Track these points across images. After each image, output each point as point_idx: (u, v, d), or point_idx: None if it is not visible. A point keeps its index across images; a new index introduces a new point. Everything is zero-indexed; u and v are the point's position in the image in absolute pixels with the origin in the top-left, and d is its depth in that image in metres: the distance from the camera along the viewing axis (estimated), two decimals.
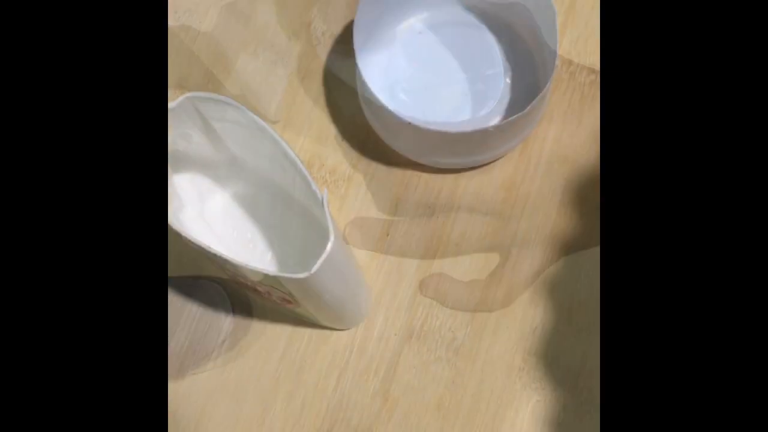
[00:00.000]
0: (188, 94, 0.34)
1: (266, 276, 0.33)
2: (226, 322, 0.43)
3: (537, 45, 0.44)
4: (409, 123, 0.39)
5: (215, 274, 0.43)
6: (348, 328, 0.42)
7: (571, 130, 0.45)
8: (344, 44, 0.47)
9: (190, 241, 0.33)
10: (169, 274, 0.43)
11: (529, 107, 0.39)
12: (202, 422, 0.41)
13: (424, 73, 0.46)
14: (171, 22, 0.48)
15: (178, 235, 0.34)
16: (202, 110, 0.36)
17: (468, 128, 0.39)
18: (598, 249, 0.42)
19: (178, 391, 0.41)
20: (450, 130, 0.39)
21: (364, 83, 0.40)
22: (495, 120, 0.44)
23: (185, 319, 0.43)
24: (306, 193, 0.39)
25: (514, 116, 0.39)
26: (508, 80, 0.45)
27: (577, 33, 0.46)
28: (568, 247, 0.43)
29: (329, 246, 0.32)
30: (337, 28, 0.47)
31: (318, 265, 0.32)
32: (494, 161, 0.44)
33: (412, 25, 0.46)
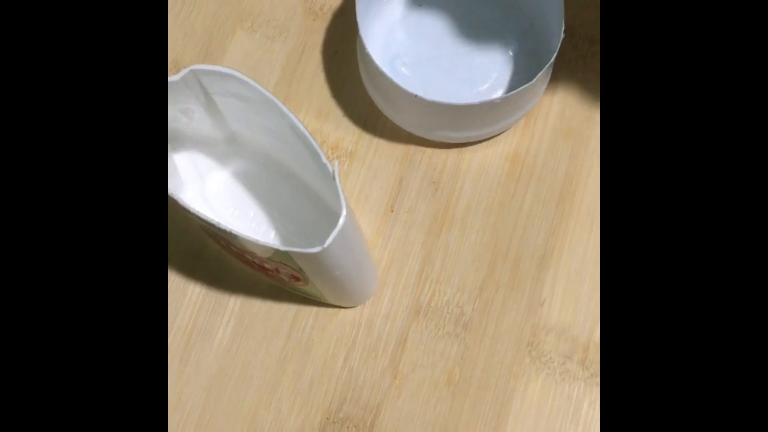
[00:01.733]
0: (192, 67, 0.34)
1: (277, 252, 0.32)
2: (230, 302, 0.42)
3: (540, 16, 0.44)
4: (415, 96, 0.38)
5: (217, 252, 0.42)
6: (355, 306, 0.42)
7: (574, 102, 0.44)
8: (344, 18, 0.46)
9: (198, 217, 0.32)
10: (171, 253, 0.43)
11: (535, 78, 0.39)
12: (209, 403, 0.40)
13: (425, 47, 0.45)
14: None
15: (185, 211, 0.33)
16: (205, 84, 0.35)
17: (474, 100, 0.39)
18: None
19: (184, 372, 0.41)
20: (456, 102, 0.38)
21: (367, 55, 0.40)
22: (497, 93, 0.44)
23: (189, 299, 0.42)
24: (310, 168, 0.38)
25: (521, 87, 0.38)
26: (510, 53, 0.45)
27: (579, 3, 0.46)
28: (575, 220, 0.42)
29: (342, 220, 0.31)
30: (335, 2, 0.46)
31: (331, 239, 0.31)
32: (498, 134, 0.44)
33: None
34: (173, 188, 0.41)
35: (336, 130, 0.45)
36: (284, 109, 0.34)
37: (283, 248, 0.32)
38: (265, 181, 0.43)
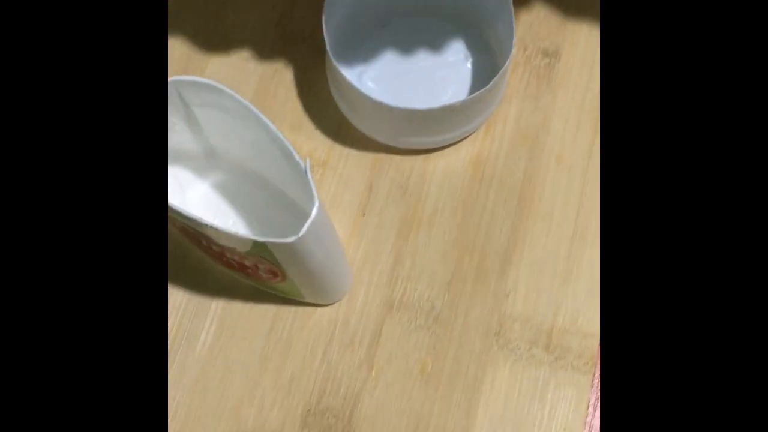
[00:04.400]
0: (172, 78, 0.36)
1: (255, 244, 0.35)
2: (212, 305, 0.44)
3: (494, 31, 0.47)
4: (381, 104, 0.41)
5: (200, 255, 0.44)
6: (331, 303, 0.44)
7: (530, 109, 0.48)
8: (313, 40, 0.50)
9: (180, 214, 0.35)
10: None
11: (491, 83, 0.42)
12: (194, 402, 0.42)
13: (390, 63, 0.48)
14: None
15: (172, 212, 0.35)
16: (184, 95, 0.38)
17: (435, 105, 0.42)
18: (563, 217, 0.45)
19: (169, 375, 0.43)
20: (418, 107, 0.41)
21: (335, 69, 0.43)
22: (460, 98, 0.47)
23: (172, 304, 0.44)
24: (285, 176, 0.41)
25: (478, 92, 0.42)
26: (468, 65, 0.48)
27: (530, 18, 0.50)
28: (534, 217, 0.45)
29: (314, 210, 0.34)
30: (306, 26, 0.50)
31: (305, 229, 0.34)
32: (461, 141, 0.47)
33: (377, 17, 0.49)
34: None
35: (309, 142, 0.48)
36: (260, 114, 0.36)
37: (260, 239, 0.34)
38: (244, 192, 0.46)
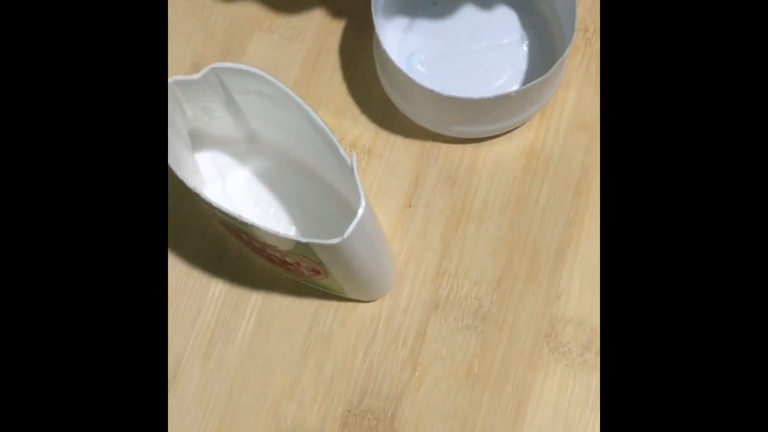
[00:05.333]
0: (213, 65, 0.34)
1: (297, 244, 0.33)
2: (252, 298, 0.43)
3: (553, 12, 0.44)
4: (431, 91, 0.39)
5: (239, 249, 0.43)
6: (374, 300, 0.42)
7: (588, 96, 0.45)
8: (359, 18, 0.47)
9: (221, 211, 0.33)
10: (193, 252, 0.43)
11: (549, 72, 0.39)
12: (233, 396, 0.41)
13: (441, 45, 0.46)
14: (184, 1, 0.48)
15: (208, 207, 0.34)
16: (225, 82, 0.36)
17: (489, 94, 0.39)
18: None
19: (207, 367, 0.42)
20: (472, 96, 0.39)
21: (383, 52, 0.40)
22: (512, 88, 0.44)
23: (211, 296, 0.43)
24: (329, 164, 0.39)
25: (535, 81, 0.39)
26: (524, 48, 0.45)
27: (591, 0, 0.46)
28: (591, 212, 0.43)
29: (361, 211, 0.32)
30: (352, 3, 0.47)
31: (351, 230, 0.32)
32: (513, 129, 0.44)
33: None
34: (196, 186, 0.42)
35: (353, 128, 0.45)
36: (303, 104, 0.34)
37: (303, 240, 0.32)
38: (285, 179, 0.44)
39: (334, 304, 0.42)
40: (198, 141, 0.43)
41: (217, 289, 0.43)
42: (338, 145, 0.34)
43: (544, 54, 0.45)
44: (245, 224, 0.33)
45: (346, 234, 0.32)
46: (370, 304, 0.42)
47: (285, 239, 0.33)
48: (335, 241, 0.32)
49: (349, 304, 0.42)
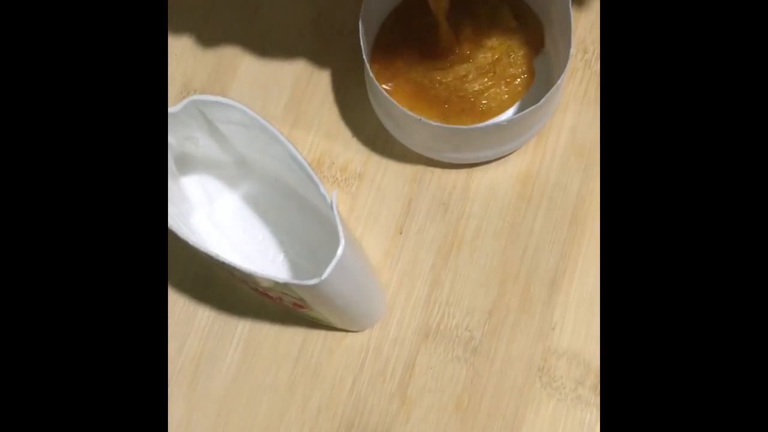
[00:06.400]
0: (191, 98, 0.34)
1: (276, 283, 0.32)
2: (239, 326, 0.42)
3: (549, 33, 0.43)
4: (419, 120, 0.38)
5: (226, 278, 0.42)
6: (362, 330, 0.41)
7: (587, 119, 0.43)
8: (353, 39, 0.46)
9: (197, 249, 0.33)
10: (179, 279, 0.43)
11: (543, 99, 0.38)
12: (217, 427, 0.40)
13: None
14: (175, 21, 0.47)
15: (184, 243, 0.33)
16: (206, 113, 0.36)
17: (481, 124, 0.38)
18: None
19: (192, 397, 0.41)
20: (462, 127, 0.38)
21: (371, 79, 0.39)
22: (509, 112, 0.43)
23: (198, 323, 0.42)
24: (316, 194, 0.38)
25: (528, 109, 0.38)
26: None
27: (590, 20, 0.45)
28: (588, 241, 0.42)
29: (339, 251, 0.31)
30: (346, 23, 0.46)
31: (329, 271, 0.31)
32: (508, 154, 0.43)
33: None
34: (182, 212, 0.41)
35: (345, 151, 0.44)
36: (282, 138, 0.34)
37: (281, 280, 0.31)
38: (275, 204, 0.43)
39: (322, 333, 0.41)
40: (185, 164, 0.42)
41: (204, 316, 0.42)
42: (318, 183, 0.33)
43: (541, 76, 0.44)
44: (219, 262, 0.32)
45: (325, 275, 0.31)
46: (359, 333, 0.41)
47: (262, 278, 0.32)
48: (313, 282, 0.31)
49: (338, 334, 0.41)
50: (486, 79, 0.42)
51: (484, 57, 0.42)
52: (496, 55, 0.42)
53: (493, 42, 0.42)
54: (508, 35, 0.43)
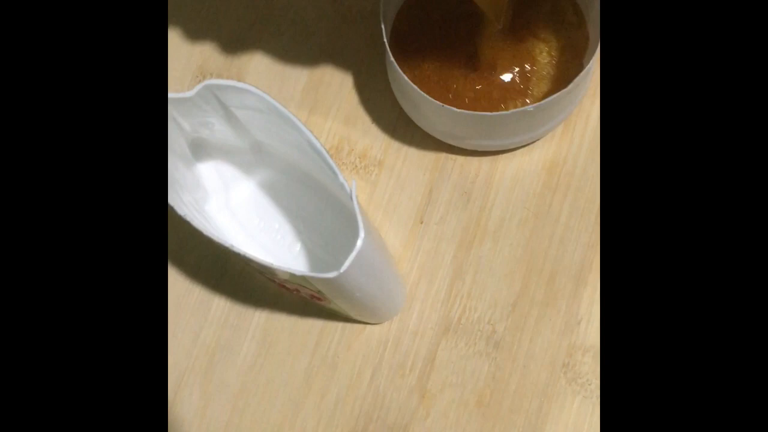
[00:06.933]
0: (206, 82, 0.32)
1: (293, 275, 0.31)
2: (255, 317, 0.41)
3: (578, 18, 0.41)
4: (442, 106, 0.36)
5: (242, 267, 0.41)
6: (381, 322, 0.40)
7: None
8: (374, 20, 0.44)
9: (213, 239, 0.31)
10: (195, 266, 0.42)
11: (571, 84, 0.36)
12: (232, 421, 0.40)
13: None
14: (190, 3, 0.46)
15: (199, 233, 0.32)
16: (221, 98, 0.34)
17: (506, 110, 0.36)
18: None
19: (208, 388, 0.40)
20: (487, 114, 0.36)
21: (392, 63, 0.38)
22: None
23: (213, 313, 0.41)
24: (334, 181, 0.37)
25: (555, 95, 0.36)
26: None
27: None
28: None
29: (359, 243, 0.30)
30: (366, 3, 0.45)
31: (347, 264, 0.30)
32: (534, 142, 0.41)
33: None
34: (197, 200, 0.40)
35: (364, 138, 0.43)
36: (299, 125, 0.32)
37: (298, 273, 0.30)
38: (291, 192, 0.42)
39: (340, 325, 0.40)
40: (202, 150, 0.41)
41: (219, 307, 0.41)
42: (337, 171, 0.31)
43: (570, 60, 0.42)
44: (234, 253, 0.31)
45: (343, 268, 0.30)
46: (378, 326, 0.40)
47: (279, 270, 0.31)
48: (331, 275, 0.30)
49: (356, 326, 0.40)
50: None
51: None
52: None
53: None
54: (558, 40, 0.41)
